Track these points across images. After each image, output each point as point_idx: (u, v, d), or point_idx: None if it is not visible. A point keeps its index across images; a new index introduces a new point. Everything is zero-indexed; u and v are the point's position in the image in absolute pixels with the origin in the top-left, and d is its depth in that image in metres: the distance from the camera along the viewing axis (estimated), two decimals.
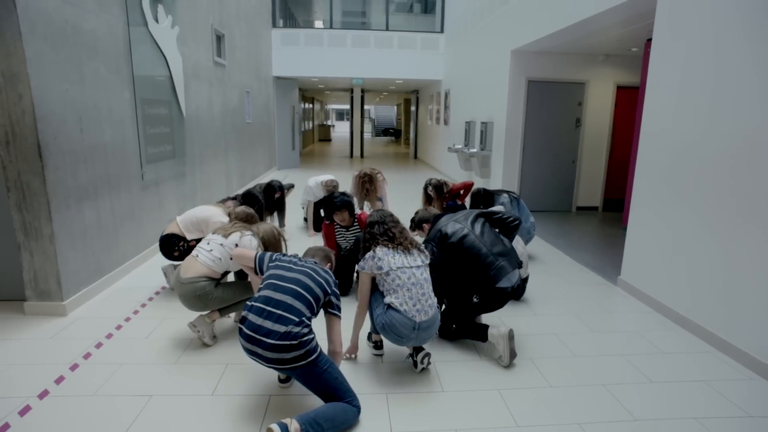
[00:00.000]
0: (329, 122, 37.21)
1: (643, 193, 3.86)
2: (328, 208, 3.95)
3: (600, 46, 6.44)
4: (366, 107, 24.80)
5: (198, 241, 3.56)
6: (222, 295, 2.97)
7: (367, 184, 5.46)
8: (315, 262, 2.48)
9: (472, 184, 5.50)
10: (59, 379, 2.57)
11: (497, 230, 3.17)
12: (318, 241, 5.35)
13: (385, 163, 15.19)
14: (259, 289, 2.30)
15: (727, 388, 2.62)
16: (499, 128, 7.52)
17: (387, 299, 2.56)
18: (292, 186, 5.76)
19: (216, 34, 7.14)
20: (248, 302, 2.25)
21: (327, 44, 12.06)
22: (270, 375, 2.62)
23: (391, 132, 34.08)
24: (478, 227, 3.01)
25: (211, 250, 2.98)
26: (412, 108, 18.47)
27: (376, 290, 2.69)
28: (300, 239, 5.54)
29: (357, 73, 12.43)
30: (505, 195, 4.75)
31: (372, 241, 2.71)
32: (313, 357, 2.15)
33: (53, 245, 3.25)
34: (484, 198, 4.71)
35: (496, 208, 4.43)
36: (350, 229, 4.03)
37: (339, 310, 2.43)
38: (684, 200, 3.38)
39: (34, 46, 3.04)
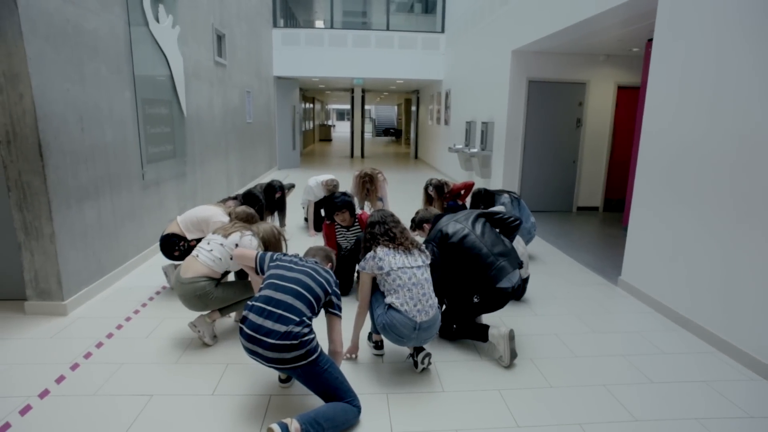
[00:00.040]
0: (330, 122, 37.22)
1: (643, 193, 3.86)
2: (329, 209, 3.95)
3: (601, 46, 6.44)
4: (366, 107, 24.80)
5: (198, 240, 3.56)
6: (222, 294, 2.97)
7: (368, 184, 5.46)
8: (316, 262, 2.49)
9: (472, 185, 5.50)
10: (60, 379, 2.57)
11: (498, 230, 3.17)
12: (318, 240, 5.35)
13: (386, 163, 15.19)
14: (260, 289, 2.30)
15: (727, 389, 2.61)
16: (499, 128, 7.52)
17: (388, 299, 2.56)
18: (292, 186, 5.76)
19: (217, 33, 7.15)
20: (249, 302, 2.25)
21: (328, 44, 12.06)
22: (270, 375, 2.62)
23: (391, 132, 34.09)
24: (478, 227, 3.01)
25: (212, 250, 2.98)
26: (413, 108, 18.48)
27: (376, 290, 2.69)
28: (300, 239, 5.54)
29: (358, 73, 12.43)
30: (506, 195, 4.74)
31: (373, 241, 2.71)
32: (314, 357, 2.15)
33: (54, 245, 3.25)
34: (485, 198, 4.71)
35: (497, 208, 4.43)
36: (351, 229, 4.03)
37: (340, 309, 2.43)
38: (685, 200, 3.38)
39: (35, 45, 3.04)
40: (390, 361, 2.84)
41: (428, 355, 2.70)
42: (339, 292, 2.46)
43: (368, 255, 2.66)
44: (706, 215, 3.19)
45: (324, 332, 2.48)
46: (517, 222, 3.23)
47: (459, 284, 2.95)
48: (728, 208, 3.00)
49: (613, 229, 6.36)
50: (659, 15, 3.69)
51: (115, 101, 4.00)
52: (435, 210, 3.60)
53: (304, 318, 2.18)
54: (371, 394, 2.49)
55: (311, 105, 22.85)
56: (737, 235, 2.94)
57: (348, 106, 18.93)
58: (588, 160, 7.48)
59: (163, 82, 4.98)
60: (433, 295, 2.63)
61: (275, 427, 1.95)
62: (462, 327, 2.99)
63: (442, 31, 12.26)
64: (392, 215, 2.84)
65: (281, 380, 2.54)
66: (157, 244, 4.32)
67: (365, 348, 2.97)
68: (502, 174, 7.37)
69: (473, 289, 2.90)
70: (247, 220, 3.31)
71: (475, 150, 8.25)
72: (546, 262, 4.89)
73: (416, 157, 17.17)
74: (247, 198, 4.75)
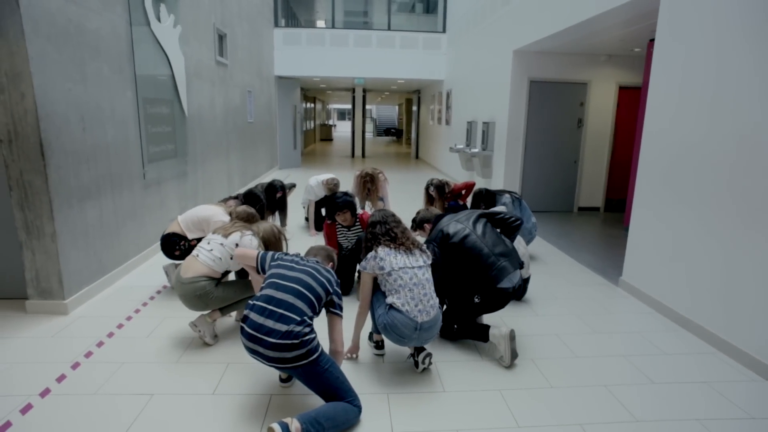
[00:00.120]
0: (331, 122, 37.22)
1: (644, 193, 3.85)
2: (330, 208, 3.95)
3: (602, 47, 6.43)
4: (367, 107, 24.81)
5: (199, 240, 3.57)
6: (222, 294, 2.97)
7: (369, 184, 5.46)
8: (317, 262, 2.49)
9: (473, 185, 5.50)
10: (60, 378, 2.57)
11: (499, 231, 3.17)
12: (319, 240, 5.35)
13: (387, 162, 15.18)
14: (261, 288, 2.30)
15: (728, 389, 2.61)
16: (500, 128, 7.52)
17: (389, 299, 2.56)
18: (293, 185, 5.76)
19: (218, 33, 7.15)
20: (250, 301, 2.25)
21: (329, 44, 12.06)
22: (271, 374, 2.62)
23: (392, 132, 34.07)
24: (479, 227, 3.01)
25: (212, 250, 2.98)
26: (414, 108, 18.47)
27: (377, 290, 2.69)
28: (301, 238, 5.54)
29: (359, 73, 12.42)
30: (507, 195, 4.74)
31: (374, 241, 2.71)
32: (315, 356, 2.15)
33: (55, 244, 3.25)
34: (486, 198, 4.71)
35: (498, 208, 4.43)
36: (352, 228, 4.03)
37: (341, 309, 2.43)
38: (686, 201, 3.38)
39: (37, 45, 3.04)
40: (391, 361, 2.84)
41: (429, 355, 2.70)
42: (340, 291, 2.46)
43: (369, 255, 2.66)
44: (706, 216, 3.18)
45: (325, 332, 2.48)
46: (518, 222, 3.23)
47: (460, 284, 2.95)
48: (729, 208, 3.00)
49: (614, 230, 6.35)
50: (661, 15, 3.69)
51: (117, 101, 4.01)
52: (436, 210, 3.60)
53: (305, 317, 2.18)
54: (372, 393, 2.49)
55: (312, 105, 22.85)
56: (738, 236, 2.93)
57: (349, 106, 18.93)
58: (589, 160, 7.48)
59: (165, 81, 4.99)
60: (435, 295, 2.63)
61: (276, 426, 1.95)
62: (463, 327, 2.99)
63: (444, 31, 12.25)
64: (393, 215, 2.84)
65: (282, 380, 2.55)
66: (158, 243, 4.32)
67: (366, 348, 2.97)
68: (503, 174, 7.36)
69: (474, 290, 2.90)
70: (248, 220, 3.31)
71: (476, 150, 8.25)
72: (547, 262, 4.89)
73: (417, 157, 17.17)
74: (248, 197, 4.75)
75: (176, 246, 3.62)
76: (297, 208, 6.62)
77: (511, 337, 2.77)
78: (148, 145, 4.57)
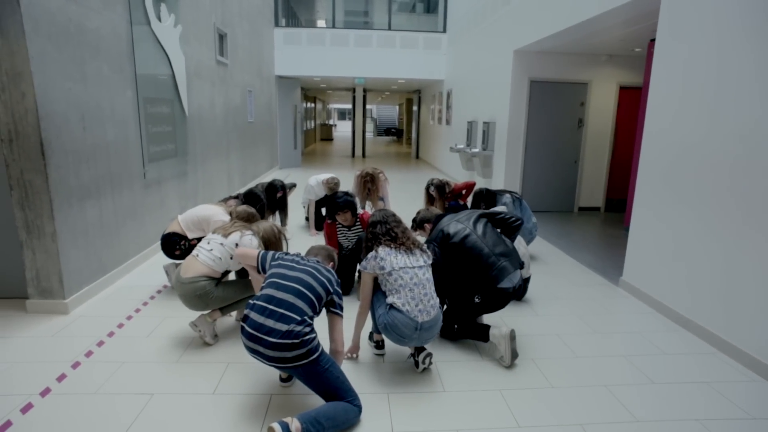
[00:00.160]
0: (331, 122, 37.22)
1: (645, 193, 3.85)
2: (331, 208, 3.95)
3: (603, 47, 6.43)
4: (368, 107, 24.80)
5: (199, 240, 3.57)
6: (222, 294, 2.97)
7: (369, 184, 5.45)
8: (317, 261, 2.49)
9: (474, 184, 5.50)
10: (61, 377, 2.57)
11: (499, 231, 3.16)
12: (319, 240, 5.35)
13: (387, 162, 15.18)
14: (262, 288, 2.30)
15: (729, 390, 2.61)
16: (501, 128, 7.51)
17: (389, 299, 2.56)
18: (293, 185, 5.76)
19: (218, 33, 7.15)
20: (251, 300, 2.25)
21: (329, 44, 12.06)
22: (271, 374, 2.62)
23: (393, 132, 34.07)
24: (480, 227, 3.01)
25: (212, 250, 2.98)
26: (414, 108, 18.46)
27: (378, 290, 2.69)
28: (301, 238, 5.54)
29: (359, 73, 12.42)
30: (508, 195, 4.74)
31: (374, 240, 2.71)
32: (315, 356, 2.15)
33: (55, 243, 3.25)
34: (487, 198, 4.70)
35: (499, 208, 4.43)
36: (352, 228, 4.02)
37: (341, 309, 2.43)
38: (686, 201, 3.38)
39: (38, 44, 3.04)
40: (391, 361, 2.84)
41: (429, 355, 2.70)
42: (340, 291, 2.46)
43: (370, 255, 2.66)
44: (707, 216, 3.18)
45: (325, 331, 2.48)
46: (519, 222, 3.23)
47: (460, 284, 2.95)
48: (729, 208, 3.00)
49: (614, 230, 6.35)
50: (661, 15, 3.68)
51: (117, 100, 4.01)
52: (436, 210, 3.60)
53: (306, 317, 2.18)
54: (372, 393, 2.49)
55: (312, 104, 22.85)
56: (738, 236, 2.93)
57: (349, 106, 18.93)
58: (589, 160, 7.48)
59: (165, 81, 4.99)
60: (435, 295, 2.63)
61: (276, 426, 1.95)
62: (463, 327, 2.99)
63: (444, 30, 12.25)
64: (394, 215, 2.84)
65: (282, 379, 2.54)
66: (158, 243, 4.32)
67: (366, 348, 2.97)
68: (503, 174, 7.36)
69: (474, 290, 2.90)
70: (248, 220, 3.31)
71: (477, 150, 8.25)
72: (547, 262, 4.89)
73: (417, 156, 17.17)
74: (249, 197, 4.75)
75: (176, 245, 3.62)
76: (297, 207, 6.62)
77: (512, 337, 2.77)
78: (149, 145, 4.57)
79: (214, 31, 6.87)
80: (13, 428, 2.16)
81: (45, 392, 2.44)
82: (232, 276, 3.42)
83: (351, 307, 3.11)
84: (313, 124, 23.07)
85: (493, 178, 7.88)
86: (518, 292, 3.71)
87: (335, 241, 4.06)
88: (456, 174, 10.34)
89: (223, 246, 2.98)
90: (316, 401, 2.31)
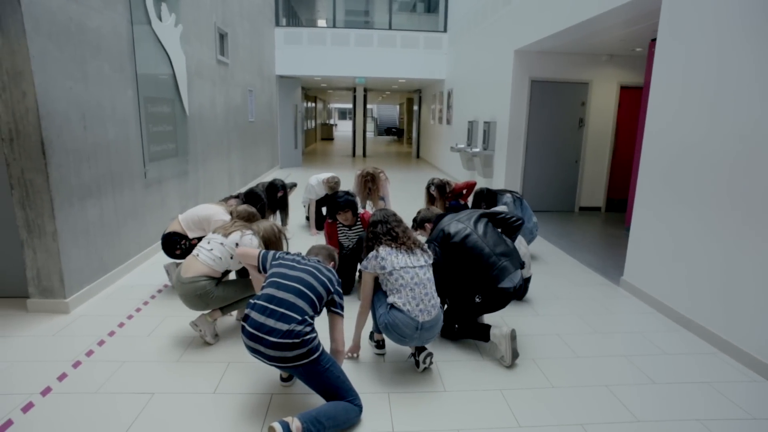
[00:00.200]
0: (332, 121, 37.21)
1: (646, 193, 3.85)
2: (332, 208, 3.95)
3: (603, 46, 6.42)
4: (368, 106, 24.80)
5: (200, 239, 3.57)
6: (223, 294, 2.97)
7: (370, 184, 5.45)
8: (318, 261, 2.49)
9: (474, 184, 5.50)
10: (62, 376, 2.57)
11: (500, 230, 3.16)
12: (320, 239, 5.35)
13: (388, 162, 15.18)
14: (263, 287, 2.30)
15: (729, 390, 2.61)
16: (501, 128, 7.51)
17: (390, 299, 2.56)
18: (294, 185, 5.76)
19: (219, 32, 7.15)
20: (251, 300, 2.25)
21: (330, 43, 12.06)
22: (272, 373, 2.62)
23: (393, 131, 34.07)
24: (480, 227, 3.00)
25: (212, 249, 2.98)
26: (415, 107, 18.46)
27: (378, 290, 2.69)
28: (302, 238, 5.54)
29: (360, 72, 12.42)
30: (508, 195, 4.74)
31: (375, 240, 2.71)
32: (315, 356, 2.15)
33: (56, 243, 3.25)
34: (487, 198, 4.70)
35: (499, 207, 4.43)
36: (353, 228, 4.02)
37: (342, 308, 2.43)
38: (687, 201, 3.37)
39: (38, 43, 3.04)
40: (391, 361, 2.84)
41: (430, 354, 2.70)
42: (341, 291, 2.46)
43: (370, 254, 2.66)
44: (707, 216, 3.18)
45: (326, 331, 2.48)
46: (520, 222, 3.22)
47: (461, 284, 2.94)
48: (730, 208, 2.99)
49: (615, 230, 6.35)
50: (662, 15, 3.68)
51: (118, 99, 4.01)
52: (437, 209, 3.60)
53: (306, 317, 2.17)
54: (373, 393, 2.49)
55: (313, 104, 22.85)
56: (739, 236, 2.93)
57: (350, 105, 18.92)
58: (590, 160, 7.47)
59: (166, 80, 4.99)
60: (436, 294, 2.63)
61: (277, 425, 1.95)
62: (464, 327, 2.99)
63: (445, 30, 12.24)
64: (394, 214, 2.84)
65: (283, 379, 2.54)
66: (159, 242, 4.33)
67: (367, 347, 2.97)
68: (504, 174, 7.36)
69: (475, 289, 2.89)
70: (249, 219, 3.30)
71: (477, 149, 8.24)
72: (548, 262, 4.89)
73: (418, 156, 17.16)
74: (249, 197, 4.75)
75: (177, 245, 3.62)
76: (298, 207, 6.62)
77: (512, 336, 2.77)
78: (149, 144, 4.57)
79: (214, 31, 6.87)
80: (14, 427, 2.16)
81: (46, 391, 2.44)
82: (232, 276, 3.42)
83: (352, 307, 3.10)
84: (313, 124, 23.07)
85: (494, 178, 7.88)
86: (519, 292, 3.70)
87: (336, 240, 4.06)
88: (456, 174, 10.34)
89: (224, 246, 2.98)
90: (316, 401, 2.31)
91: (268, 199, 5.11)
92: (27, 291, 3.37)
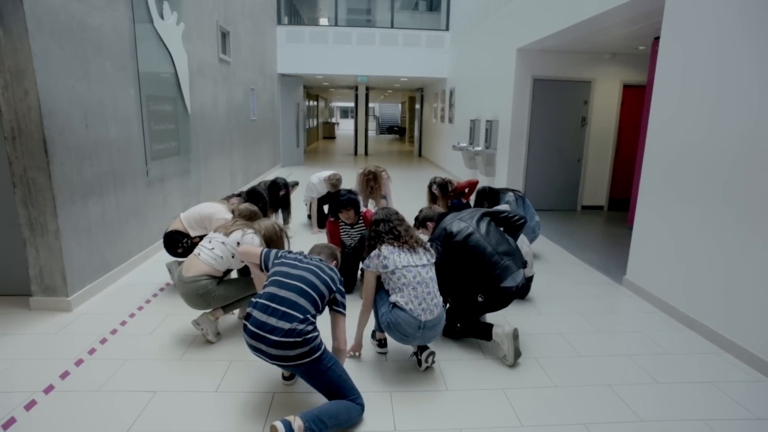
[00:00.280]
0: (333, 120, 37.21)
1: (649, 192, 3.83)
2: (334, 206, 3.95)
3: (606, 45, 6.40)
4: (370, 105, 24.78)
5: (202, 238, 3.57)
6: (224, 293, 2.97)
7: (372, 182, 5.45)
8: (320, 260, 2.48)
9: (476, 183, 5.49)
10: (64, 374, 2.58)
11: (502, 229, 3.15)
12: (322, 238, 5.35)
13: (390, 161, 15.17)
14: (264, 286, 2.30)
15: (733, 390, 2.60)
16: (504, 126, 7.49)
17: (392, 298, 2.55)
18: (296, 183, 5.76)
19: (221, 31, 7.14)
20: (253, 299, 2.25)
21: (332, 42, 12.05)
22: (274, 372, 2.62)
23: (395, 130, 34.05)
24: (483, 226, 3.00)
25: (213, 249, 2.98)
26: (417, 106, 18.44)
27: (381, 288, 2.68)
28: (304, 236, 5.54)
29: (362, 71, 12.41)
30: (511, 193, 4.73)
31: (377, 239, 2.70)
32: (317, 354, 2.15)
33: (58, 241, 3.26)
34: (490, 196, 4.70)
35: (502, 206, 4.42)
36: (355, 226, 4.02)
37: (344, 307, 2.42)
38: (690, 200, 3.36)
39: (41, 42, 3.04)
40: (393, 360, 2.84)
41: (432, 353, 2.69)
42: (343, 289, 2.45)
43: (373, 253, 2.65)
44: (709, 215, 3.16)
45: (328, 330, 2.47)
46: (522, 221, 3.21)
47: (463, 283, 2.94)
48: (731, 207, 2.98)
49: (618, 228, 6.33)
50: (666, 14, 3.66)
51: (120, 98, 4.01)
52: (439, 208, 3.59)
53: (308, 315, 2.17)
54: (375, 392, 2.48)
55: (315, 102, 22.85)
56: (741, 235, 2.91)
57: (352, 104, 18.93)
58: (593, 158, 7.45)
59: (168, 79, 4.99)
60: (438, 293, 2.63)
61: (278, 424, 1.95)
62: (466, 326, 2.98)
63: (447, 29, 12.22)
64: (397, 213, 2.83)
65: (285, 378, 2.54)
66: (161, 240, 4.33)
67: (369, 346, 2.97)
68: (506, 172, 7.34)
69: (477, 288, 2.89)
70: (250, 218, 3.30)
71: (480, 148, 8.23)
72: (550, 261, 4.88)
73: (420, 155, 17.15)
74: (251, 195, 4.75)
75: (179, 243, 3.62)
76: (299, 205, 6.62)
77: (515, 335, 2.76)
78: (151, 143, 4.57)
79: (216, 29, 6.87)
80: (16, 425, 2.16)
81: (48, 389, 2.44)
82: (234, 274, 3.42)
83: (354, 306, 3.10)
84: (315, 122, 23.07)
85: (496, 177, 7.87)
86: (521, 291, 3.69)
87: (338, 239, 4.06)
88: (459, 172, 10.32)
89: (225, 245, 2.98)
90: (318, 400, 2.31)
91: (270, 198, 5.10)
92: (29, 289, 3.37)
